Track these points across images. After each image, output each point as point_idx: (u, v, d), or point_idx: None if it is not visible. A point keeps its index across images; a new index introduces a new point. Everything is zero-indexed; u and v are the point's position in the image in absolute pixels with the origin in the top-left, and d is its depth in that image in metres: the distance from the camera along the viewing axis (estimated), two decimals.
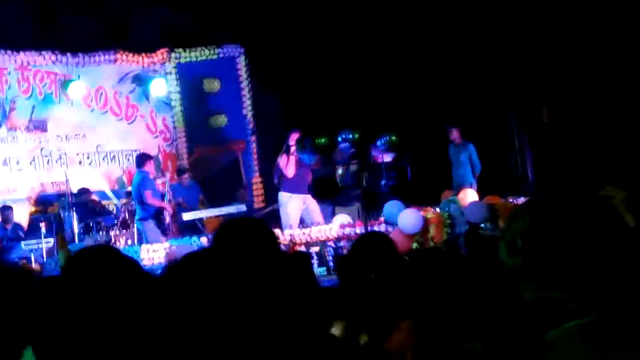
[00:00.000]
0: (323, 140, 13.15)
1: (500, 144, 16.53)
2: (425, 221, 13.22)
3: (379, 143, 13.54)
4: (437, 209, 13.52)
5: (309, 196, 13.81)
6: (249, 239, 2.82)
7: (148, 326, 2.21)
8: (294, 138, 13.54)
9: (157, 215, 14.25)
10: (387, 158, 13.87)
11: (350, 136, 13.31)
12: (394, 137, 13.50)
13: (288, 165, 13.54)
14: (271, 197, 16.64)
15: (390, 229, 12.76)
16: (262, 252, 2.33)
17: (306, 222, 13.56)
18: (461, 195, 14.15)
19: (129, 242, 14.04)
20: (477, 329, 2.97)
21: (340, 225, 13.33)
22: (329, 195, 12.87)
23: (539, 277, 2.11)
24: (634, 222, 3.45)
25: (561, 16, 15.61)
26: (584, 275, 2.07)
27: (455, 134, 15.66)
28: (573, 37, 15.60)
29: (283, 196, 13.82)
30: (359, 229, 12.78)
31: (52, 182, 15.83)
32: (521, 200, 13.85)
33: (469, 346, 2.93)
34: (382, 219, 13.46)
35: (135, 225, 14.37)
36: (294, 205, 13.66)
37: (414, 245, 13.10)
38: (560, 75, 15.81)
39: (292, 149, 13.49)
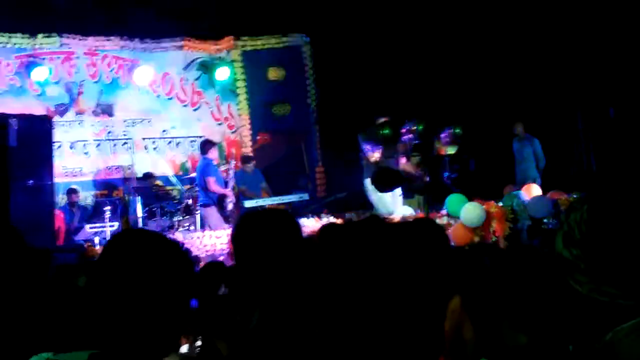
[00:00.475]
0: (386, 131, 13.09)
1: (566, 139, 16.34)
2: (488, 215, 13.12)
3: (442, 135, 13.43)
4: (500, 203, 13.42)
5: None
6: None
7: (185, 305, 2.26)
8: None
9: (219, 202, 14.34)
10: (451, 150, 13.77)
11: (414, 127, 13.22)
12: (458, 130, 13.39)
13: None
14: (333, 186, 16.67)
15: (452, 221, 12.69)
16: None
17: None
18: (524, 189, 14.03)
19: (192, 227, 14.14)
20: (523, 321, 2.94)
21: (403, 217, 13.29)
22: (391, 185, 12.80)
23: (594, 269, 2.11)
24: None
25: (630, 16, 15.38)
26: (638, 272, 2.06)
27: (519, 129, 15.55)
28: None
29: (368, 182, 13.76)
30: None
31: (118, 166, 16.01)
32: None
33: (512, 339, 2.90)
34: (444, 211, 13.39)
35: (198, 211, 14.47)
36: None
37: (476, 239, 13.02)
38: (629, 73, 15.58)
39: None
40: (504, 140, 15.51)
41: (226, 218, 14.30)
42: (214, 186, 14.18)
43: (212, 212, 14.19)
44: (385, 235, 1.86)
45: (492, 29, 16.14)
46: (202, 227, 14.10)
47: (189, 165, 16.49)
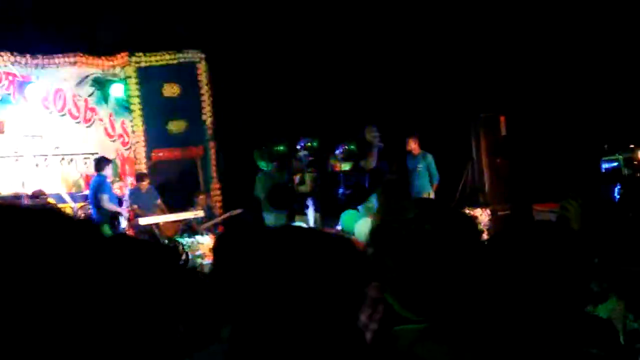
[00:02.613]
0: (281, 147, 13.15)
1: (459, 154, 16.60)
2: None
3: (337, 151, 13.56)
4: None
5: None
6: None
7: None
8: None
9: (112, 219, 14.18)
10: (346, 166, 13.90)
11: (309, 144, 13.31)
12: (352, 146, 13.53)
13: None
14: (230, 203, 16.63)
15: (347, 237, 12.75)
16: None
17: None
18: None
19: None
20: None
21: None
22: (285, 202, 12.86)
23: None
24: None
25: (518, 29, 15.77)
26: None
27: (412, 144, 15.74)
28: (531, 51, 15.76)
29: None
30: None
31: (8, 184, 15.65)
32: (477, 210, 13.96)
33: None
34: (338, 227, 13.47)
35: None
36: None
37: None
38: (518, 86, 15.95)
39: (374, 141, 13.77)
40: (401, 156, 15.65)
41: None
42: (107, 204, 14.03)
43: (105, 231, 14.01)
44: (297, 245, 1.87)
45: (382, 45, 16.35)
46: None
47: (81, 182, 16.23)
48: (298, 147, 13.59)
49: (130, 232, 14.40)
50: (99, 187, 14.19)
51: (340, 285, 1.81)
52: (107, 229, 14.04)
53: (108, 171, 14.50)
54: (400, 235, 2.30)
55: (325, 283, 1.80)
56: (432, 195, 15.10)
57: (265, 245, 1.87)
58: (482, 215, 14.46)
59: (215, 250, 3.38)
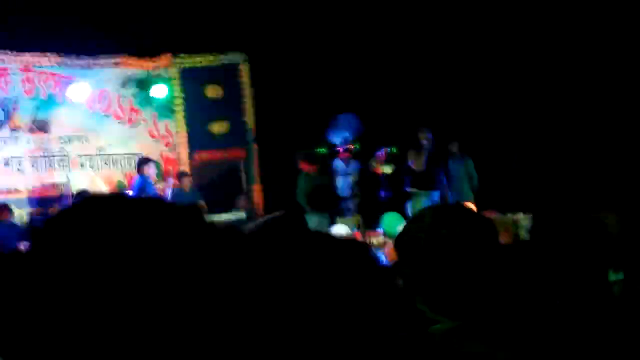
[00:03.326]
0: (323, 150, 13.19)
1: (500, 159, 16.56)
2: None
3: (378, 154, 13.58)
4: None
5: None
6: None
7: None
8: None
9: None
10: (387, 169, 13.91)
11: (351, 147, 13.34)
12: (394, 149, 13.54)
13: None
14: (271, 205, 16.67)
15: (388, 240, 12.76)
16: None
17: None
18: None
19: None
20: None
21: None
22: (327, 205, 12.90)
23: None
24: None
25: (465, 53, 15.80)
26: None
27: (454, 148, 15.73)
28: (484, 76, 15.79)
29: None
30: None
31: (53, 184, 15.84)
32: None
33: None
34: (380, 230, 13.49)
35: None
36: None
37: None
38: (473, 111, 15.95)
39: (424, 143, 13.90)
40: (442, 159, 15.63)
41: None
42: None
43: None
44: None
45: (425, 51, 16.35)
46: None
47: (125, 182, 16.36)
48: (339, 149, 13.61)
49: None
50: (141, 187, 14.33)
51: (353, 294, 1.74)
52: None
53: (150, 171, 14.63)
54: (418, 241, 2.34)
55: (337, 292, 1.72)
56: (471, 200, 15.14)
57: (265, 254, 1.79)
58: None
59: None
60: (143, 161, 14.91)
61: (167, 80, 17.07)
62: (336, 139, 14.22)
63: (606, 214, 4.15)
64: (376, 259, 1.86)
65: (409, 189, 13.74)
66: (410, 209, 13.82)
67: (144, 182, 14.37)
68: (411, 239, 2.38)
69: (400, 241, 2.44)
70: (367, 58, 16.34)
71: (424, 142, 14.24)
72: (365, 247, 1.86)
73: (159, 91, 16.91)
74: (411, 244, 2.37)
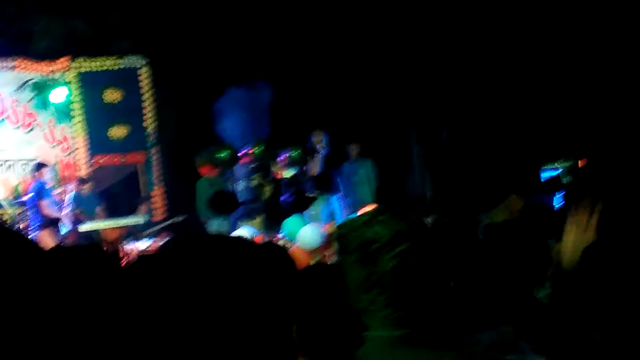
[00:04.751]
0: (224, 153, 13.12)
1: (400, 162, 16.73)
2: (328, 237, 13.29)
3: (280, 158, 13.57)
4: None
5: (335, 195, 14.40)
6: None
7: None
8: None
9: (52, 225, 14.04)
10: (288, 173, 13.92)
11: (253, 150, 13.31)
12: (295, 153, 13.55)
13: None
14: (173, 209, 16.55)
15: (289, 244, 12.77)
16: None
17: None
18: (361, 212, 14.25)
19: None
20: None
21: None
22: (226, 209, 12.82)
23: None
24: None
25: (461, 40, 15.97)
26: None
27: (355, 150, 15.79)
28: (475, 62, 15.97)
29: None
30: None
31: None
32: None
33: None
34: (281, 234, 13.49)
35: (30, 235, 14.11)
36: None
37: (313, 262, 13.13)
38: (460, 97, 16.14)
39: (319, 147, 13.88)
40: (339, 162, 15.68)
41: (60, 241, 14.02)
42: (47, 209, 13.91)
43: (45, 236, 13.86)
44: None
45: (330, 48, 16.43)
46: None
47: (21, 188, 16.02)
48: (241, 153, 13.57)
49: (72, 238, 14.29)
50: (38, 192, 14.09)
51: (264, 297, 1.74)
52: (46, 235, 13.91)
53: (46, 176, 14.40)
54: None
55: (249, 295, 1.72)
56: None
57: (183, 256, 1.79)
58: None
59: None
60: (38, 166, 14.66)
61: (64, 84, 16.77)
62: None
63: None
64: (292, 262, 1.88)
65: (308, 194, 13.77)
66: (307, 214, 13.86)
67: (40, 187, 14.12)
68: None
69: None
70: (273, 59, 16.34)
71: (318, 145, 14.28)
72: (283, 251, 1.88)
73: (58, 95, 16.62)
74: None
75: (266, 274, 1.75)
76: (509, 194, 6.55)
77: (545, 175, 14.00)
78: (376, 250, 2.24)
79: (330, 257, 13.20)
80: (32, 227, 13.94)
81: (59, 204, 14.60)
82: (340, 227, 2.41)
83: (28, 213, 14.31)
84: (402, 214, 2.33)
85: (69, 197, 14.92)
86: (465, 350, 2.32)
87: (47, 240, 13.80)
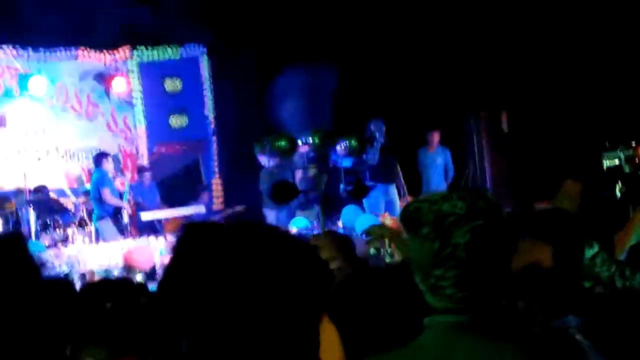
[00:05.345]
0: (282, 143, 13.11)
1: (459, 150, 16.61)
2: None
3: (338, 147, 13.53)
4: (395, 215, 13.58)
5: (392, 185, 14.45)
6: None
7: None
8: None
9: (115, 214, 14.23)
10: (347, 162, 13.90)
11: (310, 140, 13.28)
12: (353, 142, 13.49)
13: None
14: (232, 199, 16.65)
15: (347, 234, 12.77)
16: None
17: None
18: None
19: (86, 240, 13.96)
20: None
21: (299, 229, 13.34)
22: (286, 199, 12.83)
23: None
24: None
25: (519, 24, 15.79)
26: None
27: (436, 138, 15.77)
28: (535, 45, 15.79)
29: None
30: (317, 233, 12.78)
31: (10, 179, 15.66)
32: None
33: None
34: (339, 223, 13.51)
35: (92, 223, 14.31)
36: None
37: (372, 251, 13.12)
38: (519, 83, 15.96)
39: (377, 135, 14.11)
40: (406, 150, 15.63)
41: (121, 231, 14.20)
42: (110, 198, 14.09)
43: (108, 225, 14.06)
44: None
45: (387, 37, 16.36)
46: (97, 240, 13.93)
47: (84, 177, 16.24)
48: (300, 142, 13.54)
49: (133, 228, 14.47)
50: (100, 181, 14.28)
51: (297, 293, 1.75)
52: (110, 223, 14.10)
53: (107, 166, 14.58)
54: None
55: (282, 290, 1.74)
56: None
57: (217, 247, 1.80)
58: None
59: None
60: (101, 155, 14.83)
61: (125, 74, 16.95)
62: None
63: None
64: (321, 262, 1.87)
65: (367, 182, 13.75)
66: (365, 202, 13.85)
67: (102, 176, 14.30)
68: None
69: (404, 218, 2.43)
70: (326, 47, 16.29)
71: (378, 134, 14.25)
72: (313, 250, 1.87)
73: (118, 85, 16.80)
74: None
75: (276, 269, 1.76)
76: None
77: (607, 163, 13.79)
78: (452, 222, 2.24)
79: (386, 247, 13.23)
80: (95, 216, 14.14)
81: (121, 193, 14.77)
82: (414, 201, 2.38)
83: (91, 202, 14.51)
84: (480, 192, 2.34)
85: (128, 186, 15.08)
86: (523, 344, 2.28)
87: (109, 229, 14.02)
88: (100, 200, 14.05)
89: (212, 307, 1.73)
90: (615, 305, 3.69)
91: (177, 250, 1.82)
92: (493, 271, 2.26)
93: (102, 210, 14.07)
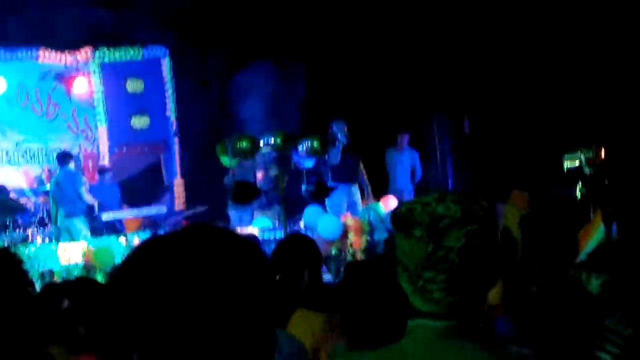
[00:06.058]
0: (244, 144, 13.12)
1: (422, 151, 16.68)
2: (345, 227, 13.32)
3: (300, 148, 13.57)
4: (357, 216, 13.64)
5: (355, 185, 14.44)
6: None
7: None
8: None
9: (89, 212, 14.12)
10: (308, 163, 13.92)
11: (272, 140, 13.30)
12: (315, 142, 13.54)
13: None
14: (193, 199, 16.62)
15: (309, 234, 12.78)
16: None
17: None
18: (382, 201, 14.29)
19: (47, 240, 13.85)
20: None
21: (260, 229, 13.35)
22: (248, 199, 12.84)
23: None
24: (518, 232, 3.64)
25: (483, 29, 15.91)
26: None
27: (404, 140, 15.83)
28: (497, 49, 15.91)
29: None
30: (279, 233, 12.79)
31: None
32: None
33: None
34: (301, 224, 13.53)
35: (51, 223, 14.20)
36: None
37: (334, 251, 13.18)
38: (481, 86, 16.08)
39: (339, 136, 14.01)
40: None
41: (93, 229, 14.14)
42: (87, 196, 14.03)
43: (80, 223, 13.98)
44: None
45: (357, 36, 16.42)
46: (57, 239, 13.81)
47: (44, 177, 16.13)
48: (261, 143, 13.55)
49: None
50: (76, 180, 14.19)
51: (246, 292, 1.72)
52: (82, 222, 14.03)
53: (71, 165, 14.48)
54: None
55: (231, 291, 1.72)
56: (411, 193, 15.28)
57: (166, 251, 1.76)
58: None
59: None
60: (66, 155, 14.67)
61: (86, 75, 16.87)
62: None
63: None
64: (266, 264, 1.86)
65: (329, 183, 13.78)
66: (327, 203, 13.86)
67: (76, 175, 14.29)
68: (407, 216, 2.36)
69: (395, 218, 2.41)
70: (291, 50, 16.31)
71: (339, 135, 14.27)
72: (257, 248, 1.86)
73: (79, 85, 16.72)
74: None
75: (258, 276, 1.76)
76: (518, 187, 6.50)
77: (567, 165, 13.90)
78: (446, 226, 2.22)
79: (348, 246, 13.29)
80: (66, 214, 13.99)
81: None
82: (406, 203, 2.37)
83: (49, 202, 14.41)
84: (473, 197, 2.32)
85: (88, 186, 14.98)
86: (505, 352, 2.28)
87: (81, 227, 13.95)
88: (75, 199, 13.93)
89: (158, 312, 1.71)
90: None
91: (130, 256, 1.82)
92: (483, 277, 2.25)
93: (75, 209, 13.93)
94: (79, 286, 5.94)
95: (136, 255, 1.80)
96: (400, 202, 2.83)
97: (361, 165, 14.83)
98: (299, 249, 5.38)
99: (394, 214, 2.35)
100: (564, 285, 3.71)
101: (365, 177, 15.03)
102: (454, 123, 16.93)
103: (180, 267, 1.72)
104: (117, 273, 1.81)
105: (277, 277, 5.13)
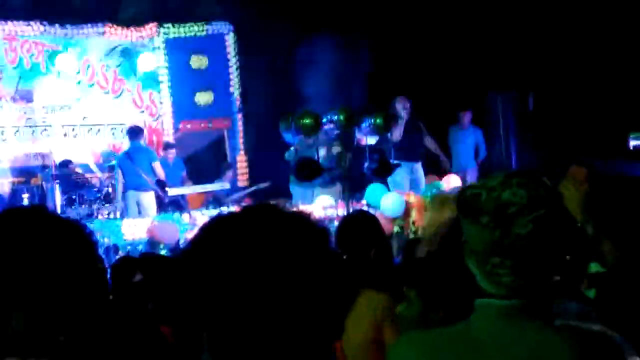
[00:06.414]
0: (307, 120, 13.10)
1: (486, 129, 16.53)
2: (407, 205, 13.24)
3: (363, 125, 13.49)
4: (419, 194, 13.56)
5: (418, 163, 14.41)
6: None
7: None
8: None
9: (161, 187, 14.21)
10: (371, 140, 13.85)
11: (335, 117, 13.26)
12: (378, 120, 13.46)
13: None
14: (257, 175, 16.67)
15: (371, 211, 12.73)
16: None
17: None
18: (444, 180, 14.20)
19: (111, 215, 14.01)
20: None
21: (322, 207, 13.34)
22: (310, 176, 12.82)
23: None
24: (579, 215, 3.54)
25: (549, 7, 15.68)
26: None
27: (467, 118, 15.75)
28: (563, 25, 15.66)
29: None
30: (341, 211, 12.78)
31: (36, 154, 15.73)
32: None
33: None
34: (363, 201, 13.48)
35: (116, 199, 14.32)
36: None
37: (396, 229, 13.12)
38: (546, 63, 15.85)
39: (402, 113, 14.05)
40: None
41: (161, 204, 14.28)
42: (160, 171, 14.16)
43: (151, 198, 14.12)
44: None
45: (425, 18, 16.29)
46: (122, 215, 13.95)
47: (109, 152, 16.30)
48: (324, 120, 13.51)
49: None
50: (150, 155, 14.39)
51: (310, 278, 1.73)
52: (151, 197, 14.16)
53: (142, 140, 14.62)
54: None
55: (295, 278, 1.71)
56: (475, 171, 15.24)
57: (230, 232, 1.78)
58: None
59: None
60: (137, 130, 14.74)
61: (152, 50, 16.98)
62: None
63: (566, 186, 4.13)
64: (327, 245, 1.85)
65: (393, 161, 13.70)
66: (390, 181, 13.80)
67: (149, 149, 14.67)
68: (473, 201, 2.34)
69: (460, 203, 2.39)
70: (357, 26, 16.23)
71: (402, 112, 14.19)
72: (324, 232, 1.85)
73: (145, 61, 16.84)
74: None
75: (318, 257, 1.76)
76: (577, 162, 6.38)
77: (633, 143, 13.68)
78: (513, 213, 2.20)
79: (410, 225, 13.20)
80: (138, 189, 14.09)
81: None
82: (470, 187, 2.34)
83: (114, 177, 14.54)
84: (538, 179, 2.28)
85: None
86: (567, 326, 2.32)
87: (152, 202, 14.09)
88: (149, 173, 14.03)
89: (226, 291, 1.72)
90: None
91: (197, 239, 1.82)
92: (552, 260, 2.24)
93: (145, 183, 14.04)
94: (150, 262, 6.04)
95: (205, 234, 1.81)
96: (464, 186, 2.78)
97: (428, 139, 14.80)
98: (364, 227, 5.32)
99: (459, 199, 2.33)
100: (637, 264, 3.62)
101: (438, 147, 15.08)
102: (518, 100, 16.73)
103: (249, 248, 1.72)
104: (187, 252, 1.82)
105: (344, 257, 5.06)
